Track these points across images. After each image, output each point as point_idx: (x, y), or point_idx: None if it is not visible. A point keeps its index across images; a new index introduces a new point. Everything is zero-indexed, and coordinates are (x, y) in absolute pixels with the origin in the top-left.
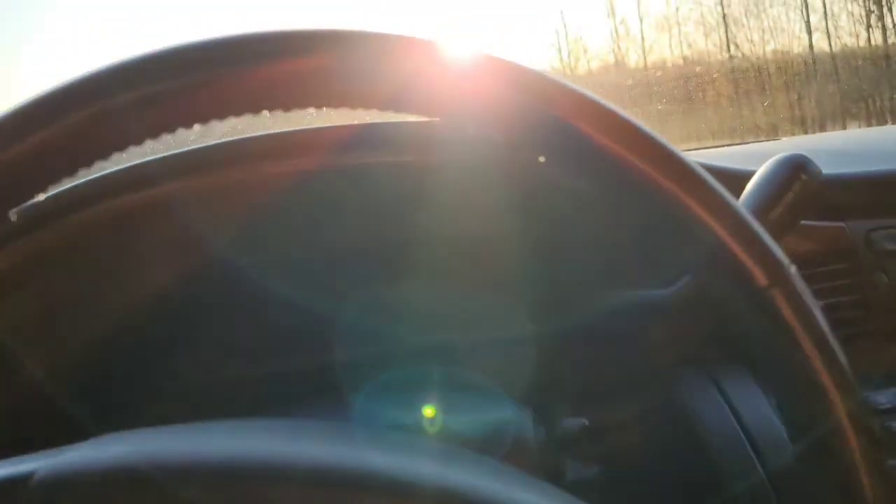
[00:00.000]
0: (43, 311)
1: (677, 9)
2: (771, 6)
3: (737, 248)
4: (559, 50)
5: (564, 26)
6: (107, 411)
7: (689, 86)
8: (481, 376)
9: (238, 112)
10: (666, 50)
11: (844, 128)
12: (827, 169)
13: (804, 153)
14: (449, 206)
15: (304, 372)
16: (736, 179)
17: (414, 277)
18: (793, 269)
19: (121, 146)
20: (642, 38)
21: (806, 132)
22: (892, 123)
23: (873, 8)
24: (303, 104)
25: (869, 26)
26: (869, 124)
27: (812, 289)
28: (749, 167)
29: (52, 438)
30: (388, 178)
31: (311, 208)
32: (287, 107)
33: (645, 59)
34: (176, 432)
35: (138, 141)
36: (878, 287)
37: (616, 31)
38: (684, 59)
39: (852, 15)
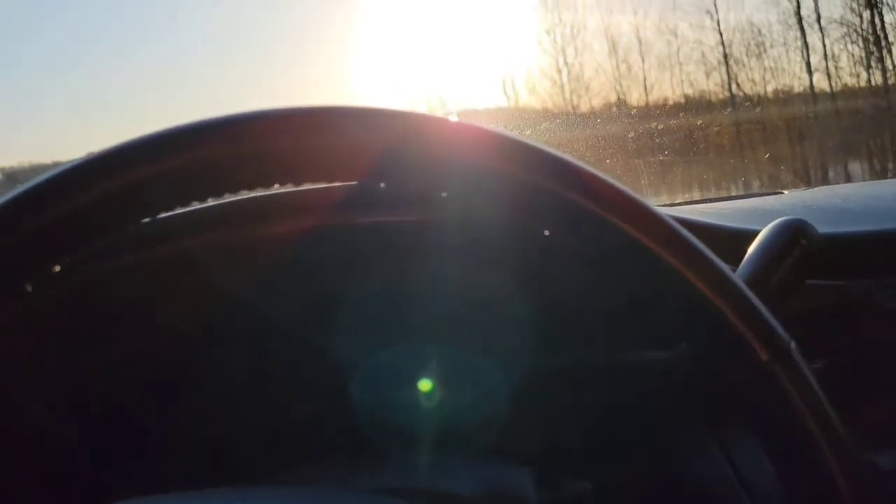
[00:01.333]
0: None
1: (678, 48)
2: (771, 46)
3: (738, 324)
4: (562, 87)
5: (566, 64)
6: (114, 463)
7: (692, 136)
8: (482, 436)
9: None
10: (667, 88)
11: (846, 166)
12: (827, 226)
13: (804, 209)
14: (451, 265)
15: (302, 426)
16: (737, 239)
17: (415, 335)
18: (792, 344)
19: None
20: (644, 77)
21: (808, 171)
22: (893, 161)
23: (873, 49)
24: (312, 179)
25: (869, 67)
26: (870, 163)
27: (813, 348)
28: (750, 226)
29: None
30: (391, 235)
31: (315, 266)
32: (289, 181)
33: (647, 97)
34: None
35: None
36: (879, 346)
37: (618, 70)
38: (686, 97)
39: (852, 56)
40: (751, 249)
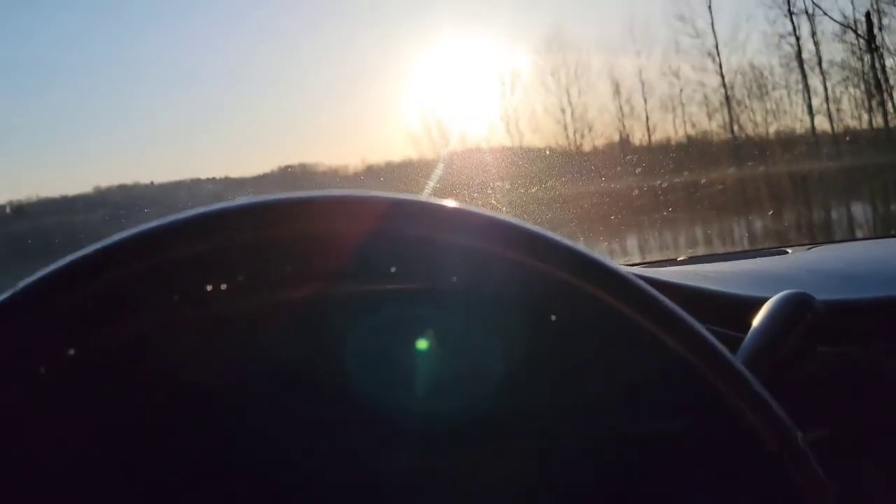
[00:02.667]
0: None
1: (681, 90)
2: (773, 89)
3: (747, 414)
4: (565, 127)
5: (570, 104)
6: None
7: (696, 192)
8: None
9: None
10: (670, 129)
11: (848, 208)
12: (831, 292)
13: (809, 274)
14: (451, 334)
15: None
16: (743, 307)
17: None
18: (799, 435)
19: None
20: (647, 118)
21: (810, 216)
22: (893, 205)
23: (874, 92)
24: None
25: (870, 109)
26: (873, 204)
27: (820, 414)
28: (755, 292)
29: None
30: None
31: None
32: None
33: (650, 137)
34: None
35: None
36: (885, 411)
37: (621, 110)
38: (688, 138)
39: (854, 98)
40: (755, 323)
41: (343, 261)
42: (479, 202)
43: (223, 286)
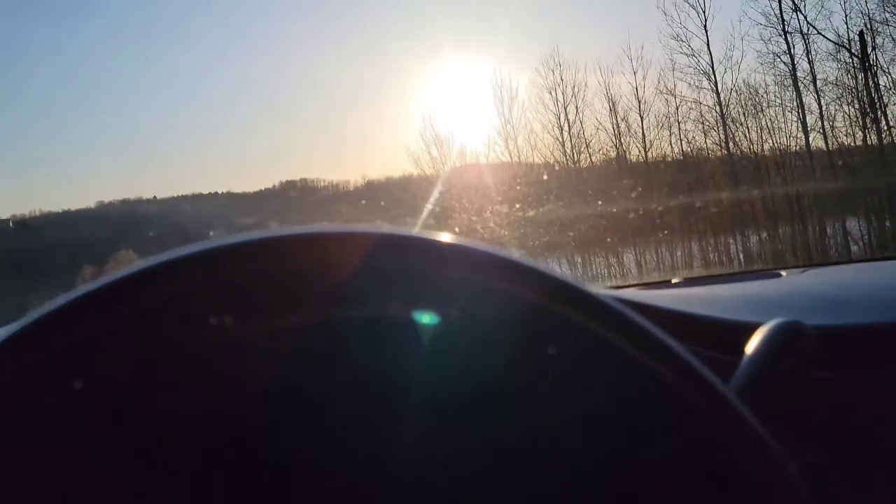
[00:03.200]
0: None
1: (677, 107)
2: (768, 106)
3: (734, 439)
4: (563, 144)
5: (568, 122)
6: None
7: (692, 215)
8: None
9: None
10: (666, 145)
11: (844, 223)
12: (825, 317)
13: (803, 298)
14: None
15: None
16: (737, 332)
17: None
18: (792, 467)
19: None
20: (643, 135)
21: (805, 232)
22: (889, 220)
23: (868, 110)
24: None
25: (865, 127)
26: (868, 220)
27: (812, 439)
28: (749, 317)
29: None
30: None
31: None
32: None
33: (646, 154)
34: None
35: None
36: (881, 437)
37: (618, 128)
38: (684, 154)
39: (848, 116)
40: (749, 350)
41: (334, 291)
42: (479, 225)
43: (225, 318)
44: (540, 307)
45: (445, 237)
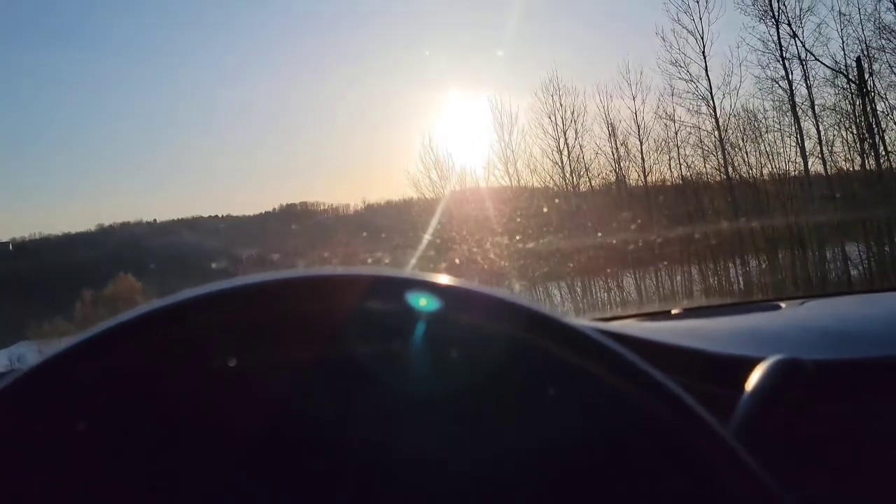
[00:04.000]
0: None
1: (676, 132)
2: (767, 132)
3: (729, 476)
4: (562, 168)
5: (567, 146)
6: None
7: (691, 247)
8: None
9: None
10: (665, 170)
11: (843, 248)
12: (824, 351)
13: (802, 332)
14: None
15: None
16: (737, 367)
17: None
18: (786, 498)
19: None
20: (643, 159)
21: (805, 260)
22: (888, 245)
23: (866, 135)
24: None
25: (863, 152)
26: (867, 244)
27: (813, 474)
28: (749, 352)
29: None
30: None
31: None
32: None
33: (645, 178)
34: None
35: None
36: (880, 467)
37: (617, 152)
38: (683, 179)
39: (846, 142)
40: (749, 387)
41: (338, 330)
42: (479, 256)
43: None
44: (531, 344)
45: (441, 279)
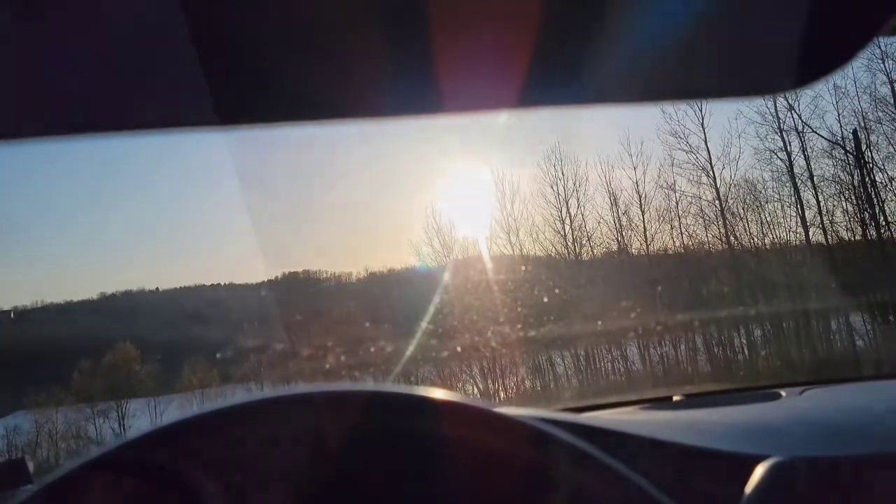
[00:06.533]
0: None
1: (677, 202)
2: (767, 202)
3: None
4: (564, 237)
5: (570, 215)
6: None
7: (693, 330)
8: None
9: None
10: (667, 239)
11: (848, 318)
12: (824, 447)
13: (803, 426)
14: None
15: None
16: (737, 464)
17: None
18: None
19: None
20: (644, 228)
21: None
22: (893, 314)
23: (866, 206)
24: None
25: (864, 223)
26: (872, 316)
27: None
28: (749, 449)
29: None
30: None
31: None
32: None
33: (647, 247)
34: None
35: None
36: None
37: (619, 221)
38: (685, 248)
39: (847, 212)
40: (749, 490)
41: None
42: (481, 344)
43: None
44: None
45: (436, 394)
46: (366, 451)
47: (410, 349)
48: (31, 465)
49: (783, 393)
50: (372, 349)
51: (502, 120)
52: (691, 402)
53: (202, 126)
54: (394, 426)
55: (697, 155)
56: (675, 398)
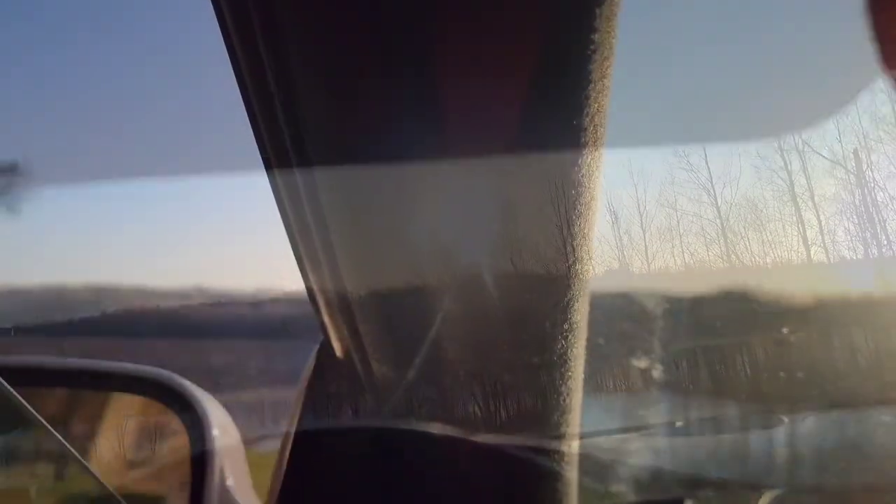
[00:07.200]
0: None
1: (679, 221)
2: (768, 221)
3: None
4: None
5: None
6: None
7: (697, 362)
8: None
9: None
10: (669, 258)
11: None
12: (827, 475)
13: (804, 453)
14: None
15: None
16: (736, 496)
17: None
18: None
19: None
20: (645, 247)
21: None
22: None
23: (867, 225)
24: None
25: (866, 242)
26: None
27: None
28: (753, 474)
29: None
30: None
31: None
32: None
33: (648, 266)
34: None
35: None
36: None
37: (620, 240)
38: (686, 267)
39: (848, 231)
40: None
41: None
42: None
43: None
44: None
45: None
46: None
47: None
48: None
49: (786, 419)
50: None
51: None
52: (694, 427)
53: None
54: None
55: (698, 174)
56: (677, 424)
